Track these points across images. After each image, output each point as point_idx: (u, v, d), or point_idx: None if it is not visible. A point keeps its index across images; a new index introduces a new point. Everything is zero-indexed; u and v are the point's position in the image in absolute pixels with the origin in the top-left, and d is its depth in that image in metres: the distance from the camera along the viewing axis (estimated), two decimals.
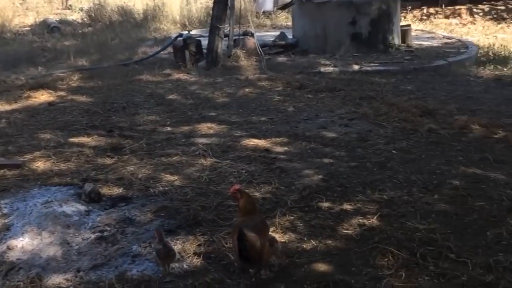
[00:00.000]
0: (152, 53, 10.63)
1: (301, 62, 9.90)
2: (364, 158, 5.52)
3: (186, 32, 10.71)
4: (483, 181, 4.92)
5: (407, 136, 6.12)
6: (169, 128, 6.57)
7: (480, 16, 15.74)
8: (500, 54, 10.64)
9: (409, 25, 12.03)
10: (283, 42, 11.09)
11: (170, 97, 7.94)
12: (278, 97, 7.86)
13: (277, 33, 11.97)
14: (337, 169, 5.23)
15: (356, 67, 9.53)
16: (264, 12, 15.98)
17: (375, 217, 4.26)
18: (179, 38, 10.08)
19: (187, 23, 14.52)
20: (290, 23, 12.88)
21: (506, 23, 14.92)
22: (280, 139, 6.10)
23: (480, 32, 13.88)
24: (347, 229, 4.13)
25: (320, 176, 5.07)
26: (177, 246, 3.88)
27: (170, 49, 10.36)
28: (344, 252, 3.83)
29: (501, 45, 11.30)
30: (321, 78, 8.82)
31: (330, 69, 9.38)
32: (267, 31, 13.46)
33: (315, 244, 3.93)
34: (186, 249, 3.87)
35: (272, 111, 7.22)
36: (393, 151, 5.68)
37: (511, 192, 4.67)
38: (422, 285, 3.43)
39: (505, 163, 5.33)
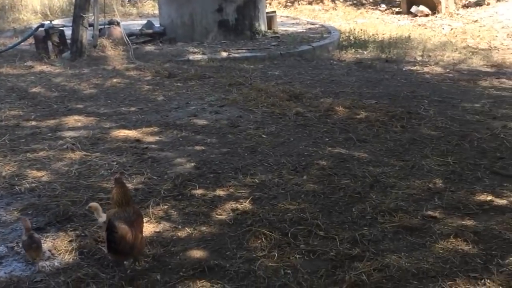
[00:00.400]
0: (12, 45, 10.11)
1: (170, 51, 9.83)
2: (235, 143, 5.60)
3: (48, 22, 10.29)
4: (347, 160, 5.17)
5: (276, 120, 6.28)
6: (33, 123, 6.32)
7: (341, 2, 16.39)
8: (360, 38, 11.15)
9: (274, 12, 12.30)
10: (150, 31, 10.95)
11: (34, 90, 7.62)
12: (147, 86, 7.77)
13: (144, 21, 11.81)
14: (209, 156, 5.28)
15: (224, 54, 9.62)
16: (129, 0, 15.69)
17: (248, 201, 4.35)
18: (40, 29, 9.66)
19: (48, 13, 13.95)
20: (157, 12, 12.72)
21: (365, 8, 15.68)
22: (151, 128, 6.05)
23: (341, 18, 14.49)
24: (221, 215, 4.19)
25: (192, 164, 5.09)
26: (47, 243, 3.77)
27: (31, 40, 9.91)
28: (219, 237, 3.88)
29: (361, 30, 11.83)
30: (190, 66, 8.83)
31: (199, 56, 9.40)
32: (134, 20, 13.23)
33: (190, 232, 3.95)
34: (57, 246, 3.76)
35: (142, 101, 7.13)
36: (263, 136, 5.81)
37: (373, 169, 4.95)
38: (294, 263, 3.55)
39: (367, 142, 5.63)
